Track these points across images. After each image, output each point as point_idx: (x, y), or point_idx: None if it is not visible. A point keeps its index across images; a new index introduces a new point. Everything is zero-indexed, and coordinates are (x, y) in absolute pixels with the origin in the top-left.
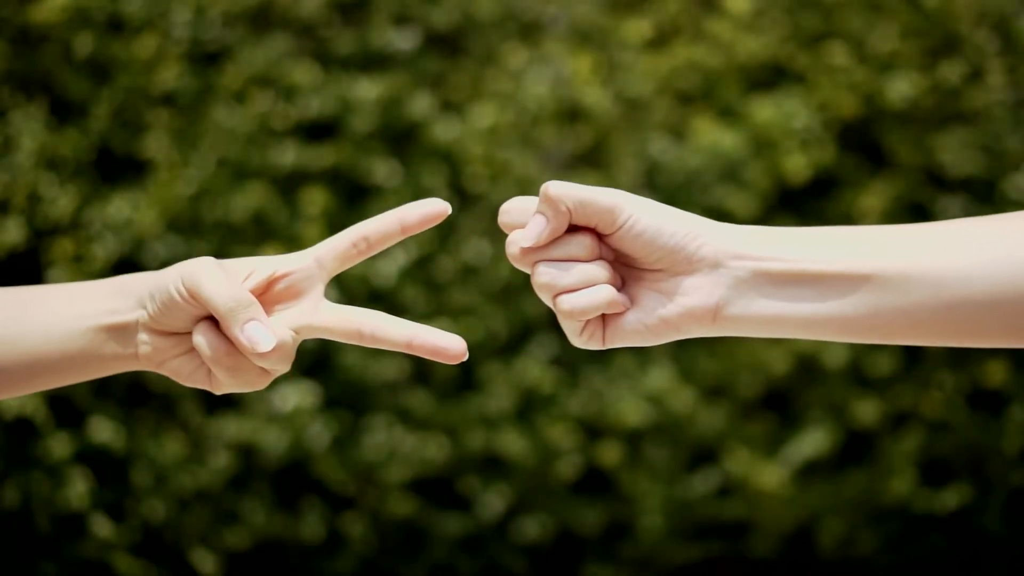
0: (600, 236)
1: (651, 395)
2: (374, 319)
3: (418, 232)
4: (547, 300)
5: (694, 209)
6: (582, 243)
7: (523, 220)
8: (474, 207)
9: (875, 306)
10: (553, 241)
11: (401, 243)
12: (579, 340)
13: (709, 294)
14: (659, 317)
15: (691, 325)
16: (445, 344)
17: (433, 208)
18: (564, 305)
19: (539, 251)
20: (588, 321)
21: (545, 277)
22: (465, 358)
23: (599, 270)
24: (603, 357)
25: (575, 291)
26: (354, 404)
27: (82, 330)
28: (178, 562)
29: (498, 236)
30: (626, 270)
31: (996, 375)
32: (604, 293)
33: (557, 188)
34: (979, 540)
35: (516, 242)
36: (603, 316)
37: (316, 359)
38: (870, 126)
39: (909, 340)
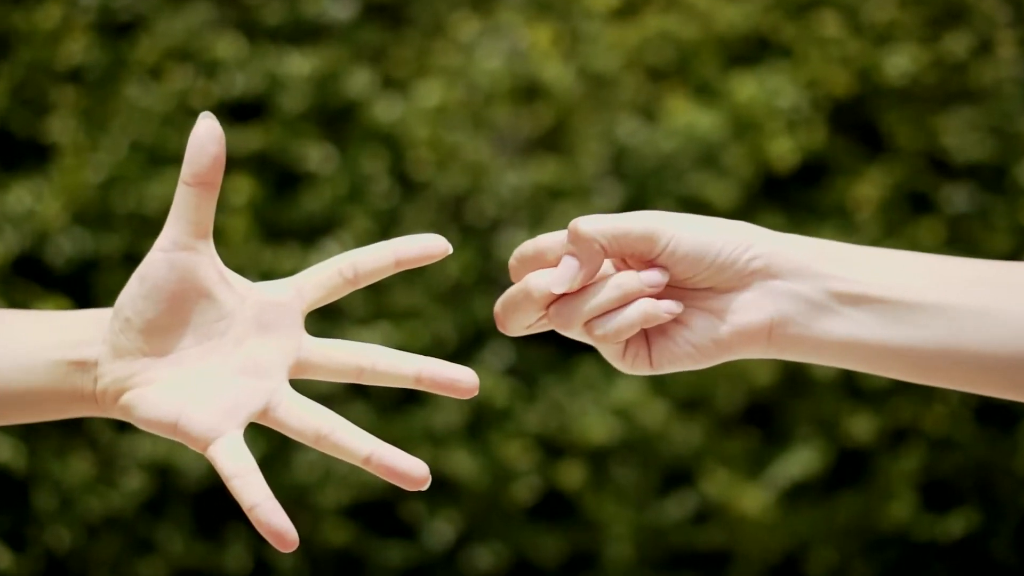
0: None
1: (618, 409)
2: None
3: (414, 267)
4: (578, 334)
5: (667, 199)
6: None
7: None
8: (419, 196)
9: (955, 340)
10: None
11: (337, 237)
12: (622, 364)
13: (762, 309)
14: (710, 338)
15: (744, 345)
16: (458, 376)
17: (435, 245)
18: (597, 330)
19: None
20: (630, 341)
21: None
22: (476, 393)
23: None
24: (564, 367)
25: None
26: None
27: (43, 362)
28: None
29: (445, 229)
30: (669, 291)
31: None
32: (640, 306)
33: (587, 225)
34: (987, 570)
35: (544, 286)
36: (647, 335)
37: None
38: (865, 105)
39: (991, 387)
